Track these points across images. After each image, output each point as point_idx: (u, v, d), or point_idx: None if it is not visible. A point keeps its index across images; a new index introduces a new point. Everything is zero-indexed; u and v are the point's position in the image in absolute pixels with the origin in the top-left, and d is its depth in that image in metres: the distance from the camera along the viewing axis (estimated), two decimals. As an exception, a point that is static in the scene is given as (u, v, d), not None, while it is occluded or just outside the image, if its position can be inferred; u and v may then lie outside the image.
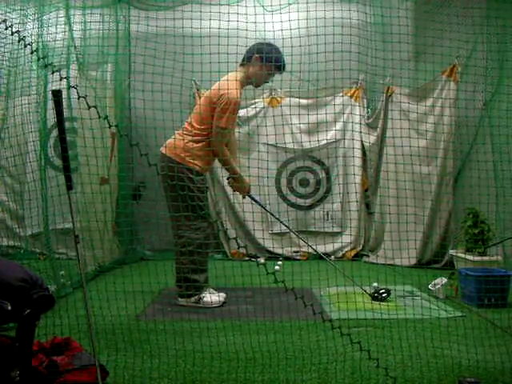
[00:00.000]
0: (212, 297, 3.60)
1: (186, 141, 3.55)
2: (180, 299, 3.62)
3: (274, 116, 5.35)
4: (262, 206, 4.02)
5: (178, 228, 3.59)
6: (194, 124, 3.59)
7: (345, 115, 5.67)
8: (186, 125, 3.65)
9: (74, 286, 3.86)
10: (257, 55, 3.59)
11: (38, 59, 2.49)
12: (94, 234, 4.37)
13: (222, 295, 3.64)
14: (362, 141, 5.65)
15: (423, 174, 4.91)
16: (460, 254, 4.47)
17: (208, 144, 3.56)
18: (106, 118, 2.32)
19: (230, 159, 3.62)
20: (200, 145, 3.56)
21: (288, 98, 5.58)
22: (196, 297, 3.59)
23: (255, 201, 3.89)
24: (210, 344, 2.70)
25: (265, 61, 3.50)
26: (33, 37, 3.78)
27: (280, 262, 4.86)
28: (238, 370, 2.39)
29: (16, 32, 2.26)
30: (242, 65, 3.62)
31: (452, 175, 5.18)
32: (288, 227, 4.67)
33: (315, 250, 4.42)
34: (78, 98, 2.26)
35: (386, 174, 5.15)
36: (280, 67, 3.62)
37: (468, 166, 4.93)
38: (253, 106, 5.72)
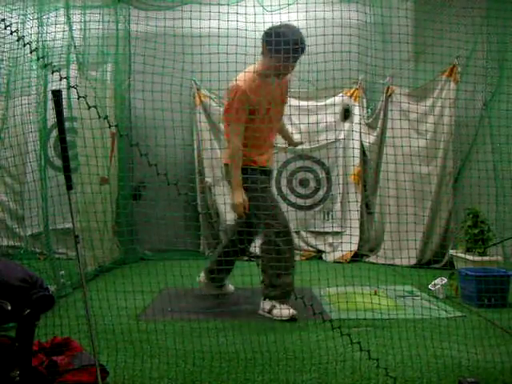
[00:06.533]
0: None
1: None
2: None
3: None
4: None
5: None
6: None
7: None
8: None
9: (73, 286, 3.86)
10: (265, 45, 3.27)
11: (38, 59, 2.49)
12: (94, 234, 4.37)
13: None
14: (361, 141, 5.65)
15: (423, 174, 4.91)
16: (460, 254, 4.47)
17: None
18: (106, 118, 2.32)
19: (234, 162, 3.38)
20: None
21: (287, 98, 5.57)
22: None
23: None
24: (209, 344, 2.70)
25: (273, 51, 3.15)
26: (32, 36, 3.77)
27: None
28: (237, 370, 2.39)
29: (15, 31, 2.26)
30: (262, 53, 3.36)
31: (452, 175, 5.18)
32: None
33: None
34: (78, 98, 2.27)
35: (386, 174, 5.15)
36: (295, 54, 3.18)
37: (468, 165, 4.93)
38: (253, 106, 5.72)
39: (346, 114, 3.67)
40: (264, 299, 3.40)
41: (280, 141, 5.38)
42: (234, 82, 3.30)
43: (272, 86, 3.38)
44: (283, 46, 3.10)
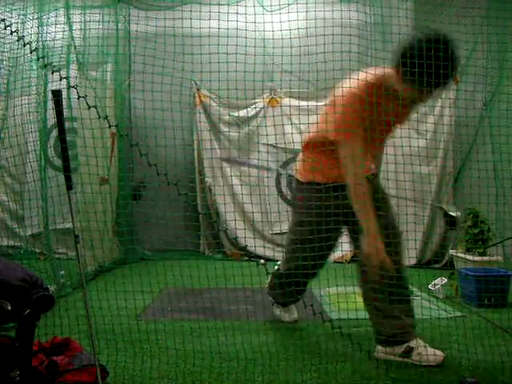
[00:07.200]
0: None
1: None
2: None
3: (273, 116, 5.34)
4: None
5: None
6: None
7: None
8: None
9: (73, 286, 3.86)
10: (400, 63, 2.37)
11: (38, 59, 2.49)
12: (94, 234, 4.37)
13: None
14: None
15: (423, 173, 4.91)
16: (460, 254, 4.47)
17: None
18: (106, 118, 2.32)
19: (361, 199, 2.56)
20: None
21: (287, 98, 5.58)
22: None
23: None
24: (209, 344, 2.70)
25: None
26: (32, 36, 3.77)
27: (280, 262, 4.85)
28: (237, 370, 2.39)
29: (15, 31, 2.27)
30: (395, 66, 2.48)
31: (452, 175, 5.19)
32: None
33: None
34: (78, 98, 2.27)
35: (386, 174, 5.14)
36: (438, 81, 2.26)
37: (468, 165, 4.94)
38: (253, 106, 5.73)
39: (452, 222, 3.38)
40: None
41: (280, 141, 5.43)
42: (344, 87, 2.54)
43: (394, 103, 2.53)
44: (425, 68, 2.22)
